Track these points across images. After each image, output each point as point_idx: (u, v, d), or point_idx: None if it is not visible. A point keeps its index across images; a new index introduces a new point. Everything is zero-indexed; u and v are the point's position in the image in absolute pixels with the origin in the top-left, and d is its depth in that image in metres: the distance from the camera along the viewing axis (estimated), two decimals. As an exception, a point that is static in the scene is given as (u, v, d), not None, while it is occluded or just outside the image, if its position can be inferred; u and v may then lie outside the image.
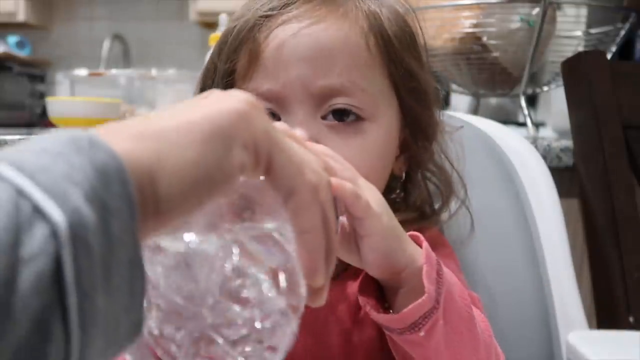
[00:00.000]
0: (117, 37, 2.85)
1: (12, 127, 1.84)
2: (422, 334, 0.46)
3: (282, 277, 0.34)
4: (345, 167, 0.46)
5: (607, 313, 0.90)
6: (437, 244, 0.59)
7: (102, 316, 0.26)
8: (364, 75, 0.55)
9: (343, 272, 0.57)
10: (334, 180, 0.41)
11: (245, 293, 0.33)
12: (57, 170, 0.26)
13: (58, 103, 1.39)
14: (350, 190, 0.44)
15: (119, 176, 0.27)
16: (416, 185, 0.61)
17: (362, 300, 0.49)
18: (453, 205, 0.63)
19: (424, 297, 0.45)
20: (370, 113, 0.55)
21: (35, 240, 0.24)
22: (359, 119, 0.54)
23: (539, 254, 0.73)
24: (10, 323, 0.23)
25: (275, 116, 0.54)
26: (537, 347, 0.72)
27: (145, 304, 0.30)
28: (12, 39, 2.85)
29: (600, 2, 1.18)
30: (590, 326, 0.74)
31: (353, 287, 0.56)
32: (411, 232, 0.50)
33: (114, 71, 1.94)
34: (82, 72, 1.82)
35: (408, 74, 0.57)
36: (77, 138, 0.27)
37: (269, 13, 0.55)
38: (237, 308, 0.32)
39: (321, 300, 0.38)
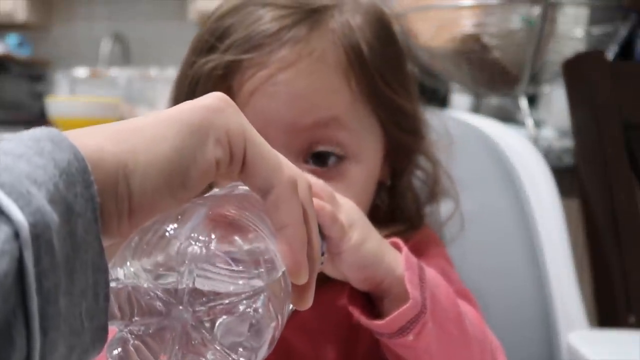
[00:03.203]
0: (117, 37, 2.85)
1: (12, 127, 1.83)
2: (410, 337, 0.46)
3: (264, 288, 0.33)
4: (319, 182, 0.46)
5: (607, 313, 0.90)
6: (428, 244, 0.59)
7: (65, 320, 0.25)
8: (346, 114, 0.53)
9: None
10: (314, 201, 0.40)
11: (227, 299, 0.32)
12: (19, 170, 0.25)
13: (57, 103, 1.39)
14: (328, 213, 0.44)
15: (82, 177, 0.27)
16: (402, 191, 0.60)
17: (350, 307, 0.50)
18: (449, 207, 0.63)
19: (408, 304, 0.46)
20: (352, 152, 0.53)
21: None
22: (341, 159, 0.53)
23: (540, 253, 0.73)
24: None
25: None
26: (537, 347, 0.72)
27: (119, 309, 0.30)
28: (12, 39, 2.85)
29: (601, 2, 1.18)
30: (591, 326, 0.74)
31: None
32: (391, 240, 0.50)
33: (113, 71, 1.94)
34: (81, 71, 1.82)
35: (392, 104, 0.56)
36: (40, 138, 0.27)
37: (242, 57, 0.52)
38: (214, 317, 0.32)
39: (307, 302, 0.37)
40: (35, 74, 2.80)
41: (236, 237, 0.33)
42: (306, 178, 0.37)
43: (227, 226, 0.33)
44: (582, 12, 1.16)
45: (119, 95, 1.59)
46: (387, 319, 0.46)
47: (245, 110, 0.51)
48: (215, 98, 0.34)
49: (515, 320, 0.72)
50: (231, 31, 0.53)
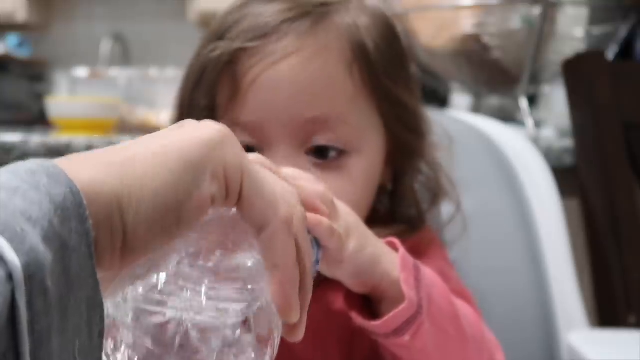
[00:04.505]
0: (117, 37, 2.85)
1: (12, 127, 1.83)
2: (407, 338, 0.47)
3: (251, 318, 0.33)
4: (319, 190, 0.46)
5: (607, 313, 0.90)
6: (427, 245, 0.59)
7: (58, 358, 0.25)
8: (348, 108, 0.53)
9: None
10: (310, 216, 0.41)
11: (214, 338, 0.32)
12: (13, 207, 0.24)
13: (57, 103, 1.39)
14: (326, 227, 0.44)
15: (77, 212, 0.26)
16: (403, 195, 0.60)
17: (347, 309, 0.50)
18: (450, 208, 0.63)
19: (404, 304, 0.46)
20: (353, 146, 0.54)
21: None
22: (342, 153, 0.53)
23: (540, 253, 0.73)
24: None
25: (257, 151, 0.53)
26: (537, 347, 0.72)
27: (113, 344, 0.30)
28: (12, 39, 2.85)
29: (601, 2, 1.18)
30: (591, 326, 0.74)
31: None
32: (387, 239, 0.50)
33: (113, 71, 1.93)
34: (81, 71, 1.82)
35: (395, 101, 0.56)
36: (36, 171, 0.26)
37: (247, 45, 0.53)
38: (205, 350, 0.32)
39: (298, 336, 0.37)
40: (35, 74, 2.80)
41: (226, 281, 0.33)
42: (302, 210, 0.37)
43: (218, 269, 0.33)
44: (582, 12, 1.16)
45: (119, 95, 1.58)
46: (383, 319, 0.47)
47: (248, 100, 0.52)
48: (213, 130, 0.33)
49: (515, 320, 0.71)
50: (239, 22, 0.54)
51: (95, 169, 0.29)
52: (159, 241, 0.31)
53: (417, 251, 0.56)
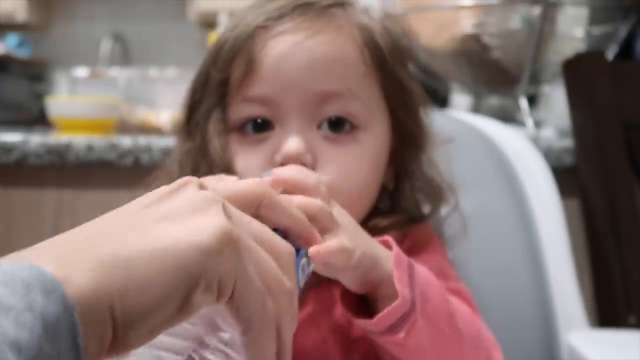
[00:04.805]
0: (117, 37, 2.85)
1: (12, 127, 1.84)
2: (401, 335, 0.47)
3: None
4: (321, 192, 0.47)
5: (607, 313, 0.90)
6: (426, 241, 0.59)
7: None
8: (360, 85, 0.55)
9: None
10: (312, 249, 0.42)
11: None
12: (3, 334, 0.25)
13: (57, 103, 1.39)
14: (337, 251, 0.44)
15: (70, 331, 0.27)
16: (404, 195, 0.61)
17: (342, 306, 0.50)
18: (445, 208, 0.63)
19: (397, 301, 0.46)
20: (365, 122, 0.55)
21: None
22: (353, 128, 0.55)
23: (540, 254, 0.73)
24: None
25: (269, 125, 0.55)
26: (537, 347, 0.72)
27: None
28: (12, 39, 2.85)
29: (601, 2, 1.18)
30: (591, 326, 0.74)
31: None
32: (381, 238, 0.50)
33: (113, 71, 1.93)
34: (81, 71, 1.82)
35: (400, 87, 0.58)
36: (31, 285, 0.26)
37: (265, 24, 0.55)
38: None
39: None
40: (35, 74, 2.80)
41: None
42: (288, 286, 0.37)
43: None
44: (582, 12, 1.16)
45: (119, 95, 1.58)
46: (377, 316, 0.47)
47: (263, 73, 0.54)
48: (214, 236, 0.32)
49: (515, 320, 0.72)
50: (257, 9, 0.57)
51: (91, 272, 0.29)
52: (144, 342, 0.31)
53: (417, 247, 0.56)
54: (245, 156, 0.55)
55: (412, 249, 0.56)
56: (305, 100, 0.54)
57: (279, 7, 0.56)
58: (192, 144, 0.58)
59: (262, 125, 0.55)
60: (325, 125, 0.55)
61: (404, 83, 0.58)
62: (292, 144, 0.52)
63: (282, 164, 0.52)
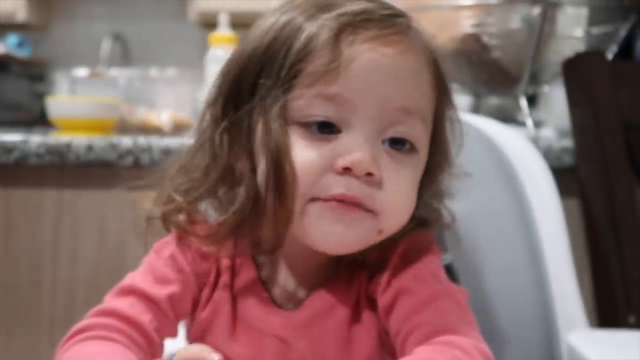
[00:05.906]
0: (117, 37, 2.85)
1: (12, 127, 1.84)
2: None
3: None
4: None
5: (607, 313, 0.90)
6: (420, 249, 0.58)
7: None
8: (428, 109, 0.55)
9: (333, 278, 0.57)
10: None
11: None
12: None
13: (57, 103, 1.39)
14: None
15: None
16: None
17: (347, 309, 0.51)
18: (450, 210, 0.63)
19: None
20: (421, 146, 0.55)
21: None
22: (412, 149, 0.54)
23: (540, 253, 0.73)
24: None
25: (333, 127, 0.52)
26: (537, 347, 0.72)
27: None
28: (12, 39, 2.85)
29: (601, 2, 1.18)
30: (591, 326, 0.74)
31: (347, 292, 0.56)
32: None
33: (113, 71, 1.93)
34: (81, 72, 1.82)
35: (444, 113, 0.58)
36: None
37: (350, 24, 0.52)
38: None
39: None
40: (35, 74, 2.80)
41: None
42: None
43: None
44: (582, 12, 1.16)
45: (119, 95, 1.58)
46: None
47: (346, 75, 0.51)
48: None
49: (515, 320, 0.72)
50: (338, 5, 0.54)
51: None
52: None
53: (410, 255, 0.56)
54: (306, 149, 0.52)
55: (407, 252, 0.56)
56: (383, 112, 0.52)
57: (363, 11, 0.53)
58: (230, 122, 0.55)
59: (326, 126, 0.52)
60: (387, 142, 0.53)
61: (445, 110, 0.58)
62: (363, 152, 0.51)
63: (345, 169, 0.51)
